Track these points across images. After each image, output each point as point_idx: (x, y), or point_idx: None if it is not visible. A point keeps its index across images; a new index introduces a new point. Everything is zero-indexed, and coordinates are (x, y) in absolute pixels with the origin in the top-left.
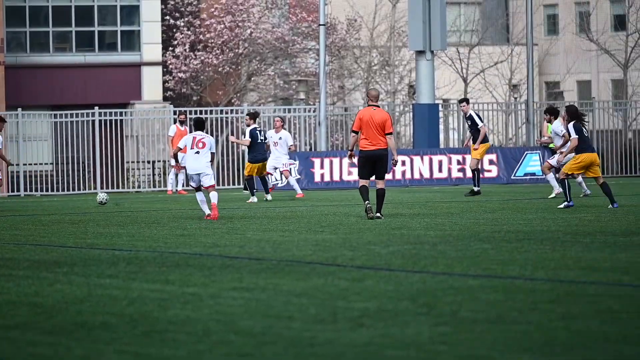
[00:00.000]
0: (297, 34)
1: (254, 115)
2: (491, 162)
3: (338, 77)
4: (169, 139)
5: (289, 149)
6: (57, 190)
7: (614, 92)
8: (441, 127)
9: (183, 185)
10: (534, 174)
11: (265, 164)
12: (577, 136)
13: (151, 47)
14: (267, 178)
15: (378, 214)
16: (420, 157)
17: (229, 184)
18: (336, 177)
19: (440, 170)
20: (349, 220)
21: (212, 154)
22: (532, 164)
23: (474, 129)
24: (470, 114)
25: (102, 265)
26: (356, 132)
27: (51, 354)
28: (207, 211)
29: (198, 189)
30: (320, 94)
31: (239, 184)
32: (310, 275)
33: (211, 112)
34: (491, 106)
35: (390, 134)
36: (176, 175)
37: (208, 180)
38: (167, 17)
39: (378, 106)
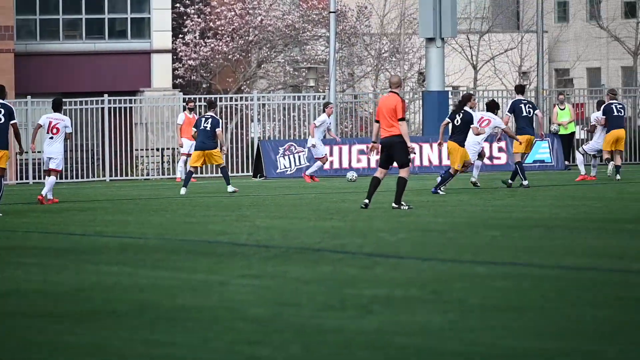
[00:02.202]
0: (308, 21)
1: (211, 104)
2: (500, 149)
3: (348, 65)
4: (178, 126)
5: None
6: (67, 178)
7: (623, 79)
8: None
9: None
10: (543, 161)
11: (211, 153)
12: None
13: (161, 34)
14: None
15: (394, 204)
16: (430, 144)
17: (239, 171)
18: (345, 164)
19: (449, 157)
20: (357, 208)
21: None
22: (541, 151)
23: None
24: None
25: (111, 253)
26: (377, 122)
27: (59, 342)
28: (50, 196)
29: (49, 173)
30: (330, 82)
31: (248, 171)
32: (319, 262)
33: (221, 99)
34: (501, 93)
35: (402, 119)
36: (185, 162)
37: (55, 164)
38: (178, 5)
39: (396, 92)
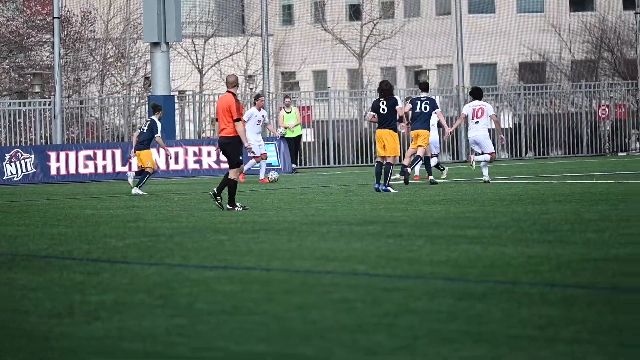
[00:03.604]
0: (32, 27)
1: (155, 108)
2: None
3: (73, 70)
4: None
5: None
6: None
7: (349, 81)
8: (177, 118)
9: None
10: (270, 165)
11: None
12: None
13: None
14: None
15: (228, 206)
16: (157, 149)
17: None
18: (72, 170)
19: (176, 162)
20: (84, 214)
21: None
22: (268, 154)
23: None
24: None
25: None
26: (217, 120)
27: None
28: None
29: None
30: (56, 87)
31: None
32: (46, 269)
33: None
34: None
35: (238, 120)
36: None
37: None
38: None
39: (231, 92)
